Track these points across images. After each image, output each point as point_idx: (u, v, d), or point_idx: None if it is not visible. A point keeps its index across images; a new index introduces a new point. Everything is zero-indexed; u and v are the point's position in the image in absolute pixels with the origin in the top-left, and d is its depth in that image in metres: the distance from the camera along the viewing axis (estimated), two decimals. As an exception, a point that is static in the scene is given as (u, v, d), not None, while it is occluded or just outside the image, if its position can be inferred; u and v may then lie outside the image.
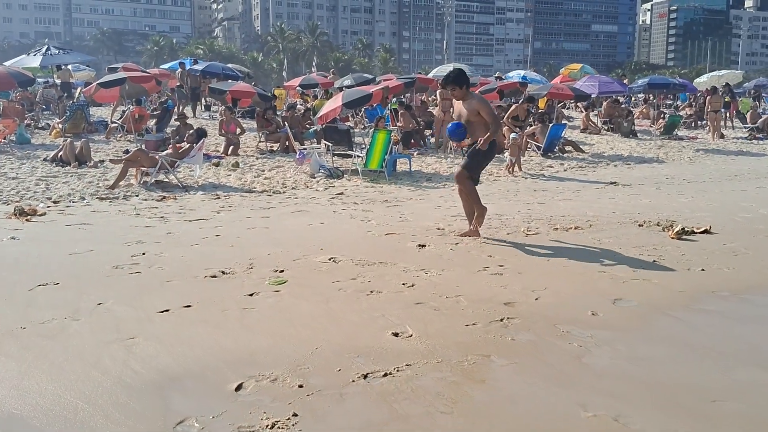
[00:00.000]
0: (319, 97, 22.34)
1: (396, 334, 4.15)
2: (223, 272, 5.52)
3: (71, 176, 10.85)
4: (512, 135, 12.88)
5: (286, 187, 10.53)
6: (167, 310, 4.55)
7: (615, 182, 11.54)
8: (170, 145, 13.72)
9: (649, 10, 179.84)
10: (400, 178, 11.68)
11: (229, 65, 26.87)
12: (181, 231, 7.25)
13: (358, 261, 5.95)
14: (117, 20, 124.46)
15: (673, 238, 7.08)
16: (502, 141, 15.09)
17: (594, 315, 4.60)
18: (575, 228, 7.57)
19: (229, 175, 11.63)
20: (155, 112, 18.00)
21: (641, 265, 5.93)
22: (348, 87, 23.02)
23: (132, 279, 5.35)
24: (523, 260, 6.08)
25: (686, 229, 7.30)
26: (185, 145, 10.79)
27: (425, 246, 6.60)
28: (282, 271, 5.60)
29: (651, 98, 24.01)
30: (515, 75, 25.62)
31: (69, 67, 24.85)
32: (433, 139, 15.95)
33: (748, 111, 23.92)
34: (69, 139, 12.84)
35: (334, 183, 11.05)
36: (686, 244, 6.84)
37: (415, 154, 13.78)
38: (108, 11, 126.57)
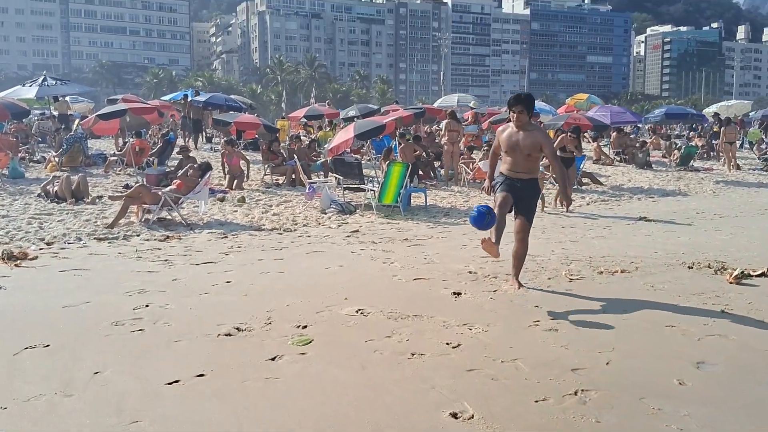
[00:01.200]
0: (323, 128, 21.79)
1: (454, 415, 3.44)
2: (238, 329, 4.82)
3: (67, 214, 10.16)
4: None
5: (297, 224, 9.86)
6: (177, 381, 3.85)
7: (645, 217, 10.90)
8: (172, 180, 13.21)
9: (643, 41, 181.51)
10: (415, 214, 11.02)
11: (232, 96, 26.38)
12: (188, 276, 6.55)
13: (390, 313, 5.25)
14: (116, 53, 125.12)
15: (732, 282, 6.42)
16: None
17: (681, 384, 3.90)
18: (621, 272, 6.89)
19: (236, 211, 10.96)
20: (156, 145, 17.39)
21: (710, 317, 5.25)
22: (354, 118, 22.61)
23: (134, 339, 4.64)
24: (575, 312, 5.39)
25: (744, 272, 6.64)
26: (189, 178, 10.13)
27: (461, 294, 5.92)
28: (305, 326, 4.90)
29: (661, 128, 23.52)
30: (524, 105, 25.00)
31: (67, 98, 24.33)
32: (443, 171, 15.33)
33: (755, 141, 23.45)
34: (65, 174, 12.18)
35: (347, 219, 10.38)
36: (748, 290, 6.18)
37: (429, 186, 13.11)
38: (107, 44, 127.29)
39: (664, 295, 5.95)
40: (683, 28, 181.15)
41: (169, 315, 5.19)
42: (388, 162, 10.71)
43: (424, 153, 14.19)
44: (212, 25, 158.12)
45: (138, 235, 8.75)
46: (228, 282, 6.32)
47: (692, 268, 7.12)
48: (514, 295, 5.86)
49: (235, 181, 13.45)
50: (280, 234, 9.14)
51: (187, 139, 19.55)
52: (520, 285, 6.06)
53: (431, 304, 5.57)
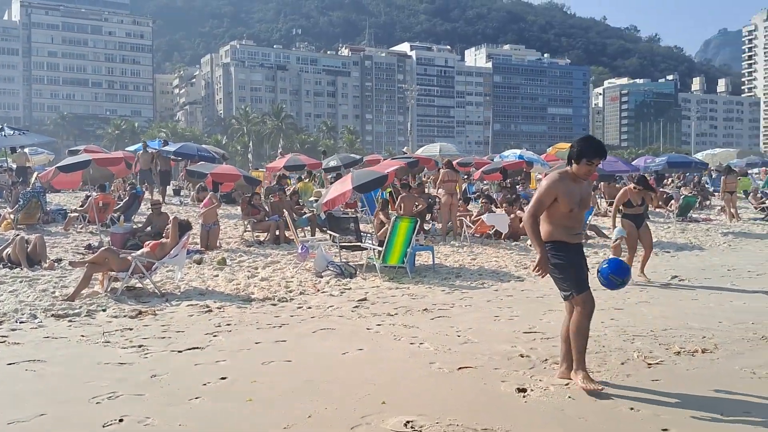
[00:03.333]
0: (303, 179, 20.56)
1: None
2: (253, 461, 3.46)
3: (21, 282, 8.64)
4: (617, 230, 9.51)
5: (292, 292, 8.49)
6: None
7: (677, 277, 9.82)
8: (140, 239, 11.76)
9: (601, 93, 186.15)
10: (423, 275, 9.76)
11: (204, 146, 25.06)
12: (171, 371, 5.15)
13: (450, 426, 3.95)
14: (78, 105, 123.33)
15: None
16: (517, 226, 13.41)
17: None
18: (702, 351, 5.70)
19: (216, 276, 9.56)
20: (121, 199, 15.93)
21: None
22: (335, 168, 21.47)
23: (107, 485, 3.24)
24: (686, 418, 4.16)
25: None
26: (164, 241, 8.73)
27: (526, 391, 4.64)
28: (344, 453, 3.56)
29: (667, 177, 22.85)
30: (510, 154, 24.39)
31: (26, 150, 22.74)
32: (438, 226, 14.15)
33: (750, 191, 22.98)
34: (20, 235, 10.67)
35: (349, 283, 9.06)
36: None
37: (429, 242, 11.87)
38: (69, 96, 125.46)
39: (777, 385, 4.78)
40: (639, 81, 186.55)
41: (153, 438, 3.81)
42: (394, 217, 9.49)
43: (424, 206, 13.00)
44: (176, 76, 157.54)
45: (104, 310, 7.29)
46: (223, 378, 4.94)
47: (777, 343, 5.99)
48: (597, 395, 4.58)
49: (209, 236, 12.05)
50: (275, 305, 7.76)
51: (151, 193, 18.11)
52: (590, 379, 4.71)
53: (497, 408, 4.29)
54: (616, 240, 9.58)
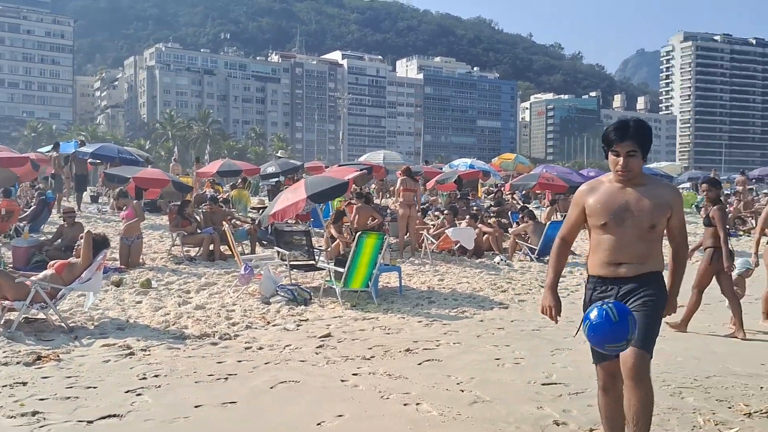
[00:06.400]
0: (237, 187, 18.75)
1: None
2: None
3: None
4: (742, 261, 7.33)
5: (235, 326, 6.87)
6: None
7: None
8: (49, 253, 9.87)
9: (528, 108, 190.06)
10: (391, 301, 8.31)
11: (126, 148, 22.82)
12: (74, 460, 3.53)
13: None
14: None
15: None
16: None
17: None
18: (777, 411, 4.50)
19: (140, 303, 7.84)
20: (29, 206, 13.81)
21: None
22: (273, 174, 19.80)
23: None
24: None
25: None
26: (73, 260, 6.97)
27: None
28: None
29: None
30: (461, 164, 23.24)
31: None
32: (394, 240, 12.74)
33: (692, 205, 22.61)
34: None
35: (304, 312, 7.53)
36: None
37: (395, 261, 10.37)
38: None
39: None
40: (564, 96, 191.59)
41: None
42: (359, 233, 8.01)
43: (378, 216, 11.56)
44: (97, 78, 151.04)
45: (-11, 355, 5.52)
46: (153, 473, 3.37)
47: None
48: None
49: (130, 252, 10.25)
50: (216, 344, 6.15)
51: (63, 200, 16.00)
52: None
53: None
54: (741, 273, 7.22)
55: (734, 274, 7.01)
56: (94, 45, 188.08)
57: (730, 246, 6.63)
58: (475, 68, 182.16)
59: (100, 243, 6.96)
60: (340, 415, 4.30)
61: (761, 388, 5.04)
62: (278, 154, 47.02)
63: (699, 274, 6.86)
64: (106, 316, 7.07)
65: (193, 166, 24.29)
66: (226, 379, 5.08)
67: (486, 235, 12.50)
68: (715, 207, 6.76)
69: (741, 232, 18.46)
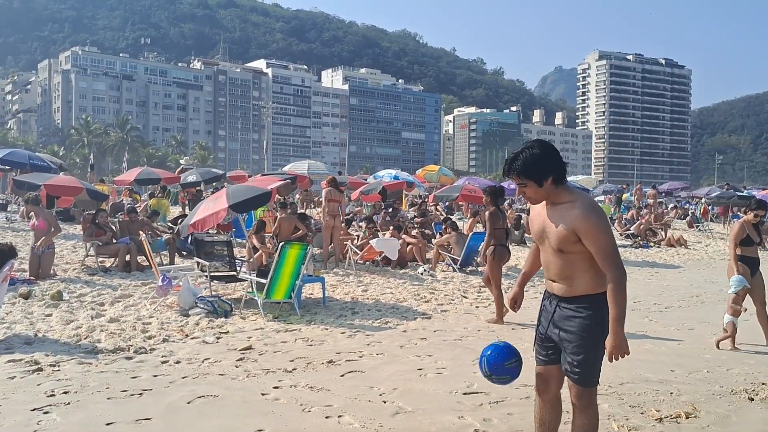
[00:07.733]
0: (156, 195, 18.19)
1: None
2: None
3: None
4: (736, 279, 6.92)
5: (152, 339, 6.63)
6: None
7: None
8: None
9: (451, 121, 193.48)
10: (314, 312, 8.22)
11: (38, 154, 21.74)
12: (-29, 486, 3.30)
13: None
14: None
15: None
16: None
17: None
18: (685, 416, 4.69)
19: (49, 316, 7.47)
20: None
21: None
22: (194, 183, 19.32)
23: None
24: None
25: None
26: (-25, 272, 6.56)
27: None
28: None
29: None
30: (386, 175, 23.36)
31: None
32: (318, 251, 12.66)
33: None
34: None
35: (225, 325, 7.34)
36: None
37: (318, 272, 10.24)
38: None
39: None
40: (486, 110, 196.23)
41: None
42: (282, 243, 7.89)
43: (305, 230, 11.44)
44: (9, 82, 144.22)
45: None
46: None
47: (753, 400, 5.14)
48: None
49: (41, 262, 9.76)
50: (130, 359, 5.91)
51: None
52: None
53: None
54: (736, 292, 6.90)
55: (731, 292, 6.90)
56: (6, 46, 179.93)
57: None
58: (399, 80, 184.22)
59: (5, 253, 6.57)
60: (260, 430, 4.21)
61: (671, 393, 5.25)
62: (182, 161, 45.91)
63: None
64: (12, 330, 6.69)
65: (88, 174, 23.36)
66: (141, 394, 4.88)
67: (410, 246, 12.59)
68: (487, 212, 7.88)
69: (652, 243, 19.30)
